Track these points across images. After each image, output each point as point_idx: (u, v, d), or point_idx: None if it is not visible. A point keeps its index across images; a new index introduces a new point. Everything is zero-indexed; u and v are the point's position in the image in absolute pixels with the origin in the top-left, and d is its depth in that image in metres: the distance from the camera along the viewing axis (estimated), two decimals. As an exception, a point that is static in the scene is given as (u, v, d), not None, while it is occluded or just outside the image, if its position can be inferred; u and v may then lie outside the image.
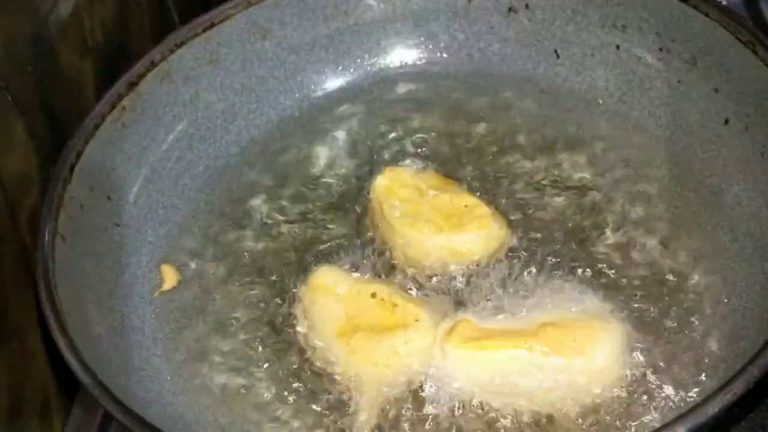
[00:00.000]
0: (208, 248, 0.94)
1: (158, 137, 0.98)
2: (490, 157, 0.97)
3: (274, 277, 0.90)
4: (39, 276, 0.79)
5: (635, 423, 0.74)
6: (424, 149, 1.00)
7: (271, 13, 1.04)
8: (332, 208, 0.95)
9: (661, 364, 0.77)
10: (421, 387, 0.78)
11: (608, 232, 0.88)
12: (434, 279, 0.86)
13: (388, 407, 0.78)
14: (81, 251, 0.85)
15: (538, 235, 0.88)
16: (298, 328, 0.85)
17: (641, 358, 0.78)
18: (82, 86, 0.97)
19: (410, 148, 1.00)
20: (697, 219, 0.88)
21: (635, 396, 0.76)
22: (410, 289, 0.85)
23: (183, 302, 0.90)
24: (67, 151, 0.88)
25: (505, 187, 0.94)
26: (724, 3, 0.98)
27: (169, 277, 0.90)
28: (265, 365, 0.83)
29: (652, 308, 0.81)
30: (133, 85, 0.95)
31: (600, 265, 0.85)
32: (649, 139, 0.96)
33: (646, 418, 0.74)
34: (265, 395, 0.81)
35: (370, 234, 0.91)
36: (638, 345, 0.79)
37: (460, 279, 0.85)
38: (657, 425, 0.69)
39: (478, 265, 0.86)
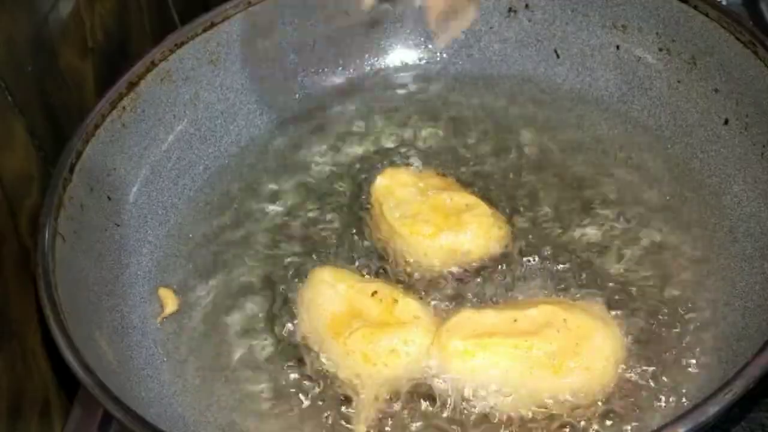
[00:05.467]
0: (207, 248, 0.94)
1: (158, 137, 0.98)
2: (490, 157, 0.97)
3: (274, 277, 0.90)
4: (39, 276, 0.79)
5: (635, 423, 0.74)
6: (424, 149, 1.00)
7: (271, 13, 1.04)
8: (332, 208, 0.95)
9: (661, 364, 0.77)
10: (420, 385, 0.78)
11: (607, 231, 0.88)
12: (434, 279, 0.86)
13: (387, 406, 0.78)
14: (81, 251, 0.85)
15: (538, 235, 0.88)
16: (298, 328, 0.85)
17: (641, 358, 0.78)
18: (82, 86, 0.97)
19: (410, 148, 1.00)
20: (697, 219, 0.88)
21: (635, 396, 0.76)
22: (410, 288, 0.85)
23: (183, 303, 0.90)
24: (67, 151, 0.88)
25: (506, 187, 0.94)
26: (724, 3, 0.98)
27: (169, 302, 0.89)
28: (265, 365, 0.83)
29: (651, 309, 0.81)
30: (133, 85, 0.95)
31: (600, 265, 0.85)
32: (649, 139, 0.96)
33: (646, 418, 0.74)
34: (265, 395, 0.81)
35: (370, 234, 0.91)
36: (638, 345, 0.79)
37: (460, 279, 0.85)
38: (657, 425, 0.69)
39: (478, 265, 0.86)
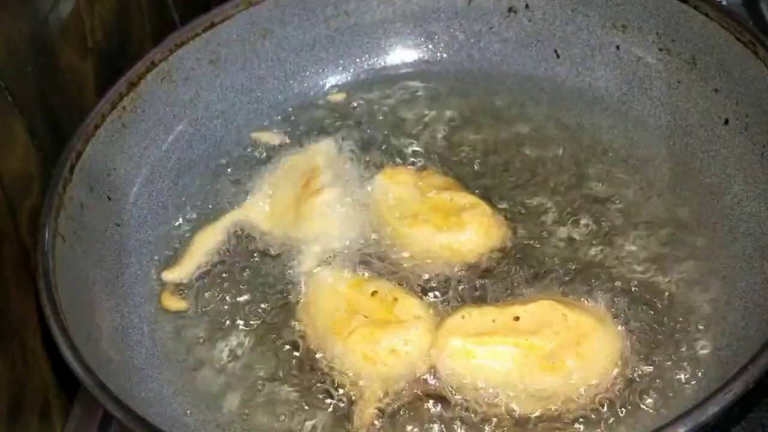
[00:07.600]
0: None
1: (158, 137, 0.98)
2: (490, 156, 0.97)
3: (274, 277, 0.90)
4: (39, 276, 0.79)
5: (635, 422, 0.74)
6: (424, 149, 1.00)
7: (271, 13, 1.04)
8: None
9: (661, 364, 0.77)
10: (420, 384, 0.78)
11: (607, 231, 0.88)
12: (434, 278, 0.86)
13: (387, 404, 0.78)
14: (81, 251, 0.85)
15: (538, 234, 0.89)
16: (299, 327, 0.85)
17: (641, 358, 0.78)
18: (82, 86, 0.97)
19: (410, 148, 1.00)
20: (697, 219, 0.88)
21: (635, 396, 0.76)
22: (410, 288, 0.85)
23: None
24: (67, 151, 0.88)
25: (506, 186, 0.94)
26: (724, 3, 0.98)
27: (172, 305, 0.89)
28: (266, 364, 0.83)
29: (651, 308, 0.81)
30: (133, 85, 0.95)
31: (600, 265, 0.85)
32: (649, 139, 0.96)
33: (646, 418, 0.74)
34: (265, 394, 0.81)
35: (370, 233, 0.91)
36: (638, 345, 0.79)
37: (460, 278, 0.85)
38: (657, 425, 0.69)
39: (478, 265, 0.86)
